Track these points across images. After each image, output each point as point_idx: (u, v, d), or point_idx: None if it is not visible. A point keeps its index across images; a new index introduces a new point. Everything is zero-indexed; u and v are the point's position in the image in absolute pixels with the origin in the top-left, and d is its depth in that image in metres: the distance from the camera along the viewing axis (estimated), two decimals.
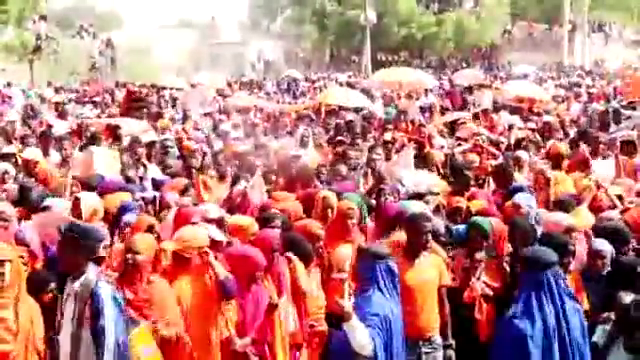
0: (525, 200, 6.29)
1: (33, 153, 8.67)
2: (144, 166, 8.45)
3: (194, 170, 8.19)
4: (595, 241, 5.35)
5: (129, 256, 4.60)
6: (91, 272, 4.15)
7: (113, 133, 10.63)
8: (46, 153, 9.32)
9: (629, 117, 12.38)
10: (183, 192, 6.88)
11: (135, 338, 4.28)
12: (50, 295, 4.60)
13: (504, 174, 7.58)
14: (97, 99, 19.26)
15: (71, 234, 4.23)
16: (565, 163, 8.44)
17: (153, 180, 7.92)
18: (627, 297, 4.47)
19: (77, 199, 6.10)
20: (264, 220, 5.73)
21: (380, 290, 4.29)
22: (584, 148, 8.64)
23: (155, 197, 6.62)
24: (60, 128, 11.80)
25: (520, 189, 6.76)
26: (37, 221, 5.61)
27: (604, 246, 5.25)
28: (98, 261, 4.63)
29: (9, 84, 21.91)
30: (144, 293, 4.55)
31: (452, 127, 11.93)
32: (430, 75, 19.36)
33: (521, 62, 34.43)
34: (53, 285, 4.64)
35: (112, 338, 3.97)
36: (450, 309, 5.29)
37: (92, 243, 4.24)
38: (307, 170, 7.73)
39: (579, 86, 21.01)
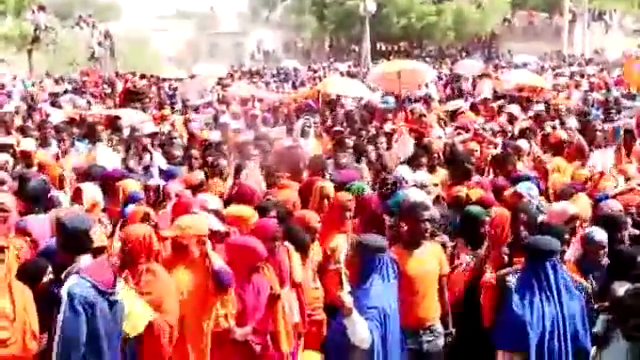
0: (527, 189, 6.29)
1: (30, 144, 8.69)
2: (150, 154, 8.46)
3: (194, 160, 8.17)
4: (594, 230, 5.31)
5: (122, 248, 4.61)
6: (76, 265, 4.13)
7: (113, 124, 10.65)
8: (45, 143, 9.32)
9: (630, 108, 12.40)
10: (197, 187, 6.81)
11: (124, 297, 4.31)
12: (44, 284, 4.55)
13: (504, 162, 7.58)
14: (92, 90, 19.24)
15: (57, 228, 4.22)
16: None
17: (162, 171, 7.89)
18: (620, 287, 4.45)
19: (79, 189, 6.12)
20: (261, 210, 5.72)
21: (380, 282, 4.28)
22: (579, 137, 8.66)
23: (159, 185, 6.62)
24: (56, 118, 11.77)
25: (527, 178, 6.75)
26: (53, 215, 5.59)
27: (603, 236, 5.20)
28: (96, 251, 4.60)
29: None
30: (145, 284, 4.54)
31: (451, 116, 11.93)
32: (429, 67, 19.10)
33: (521, 51, 34.33)
34: (49, 274, 4.58)
35: (57, 333, 3.94)
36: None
37: (75, 235, 4.20)
38: (318, 159, 7.70)
39: (582, 76, 20.97)
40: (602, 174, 6.95)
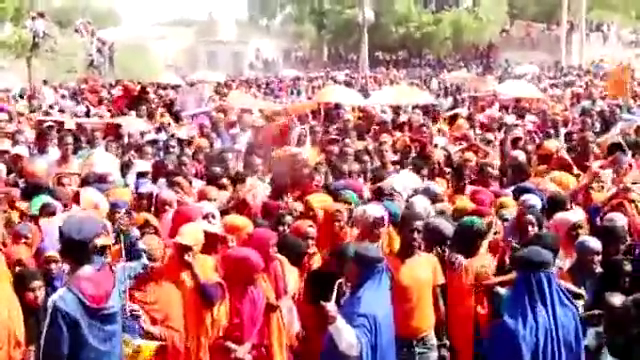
0: (534, 202, 6.29)
1: (21, 151, 8.71)
2: (130, 160, 8.50)
3: (183, 166, 8.17)
4: (589, 240, 5.31)
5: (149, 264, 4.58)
6: (74, 275, 3.91)
7: (114, 131, 10.69)
8: (43, 150, 9.30)
9: (627, 120, 12.43)
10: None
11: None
12: (34, 294, 4.59)
13: (520, 171, 7.62)
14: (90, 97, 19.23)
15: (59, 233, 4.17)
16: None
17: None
18: (614, 298, 4.47)
19: (78, 194, 6.19)
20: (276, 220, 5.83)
21: (373, 290, 4.29)
22: (562, 150, 8.70)
23: (151, 193, 6.64)
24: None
25: (528, 190, 6.75)
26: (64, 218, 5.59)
27: (597, 244, 5.20)
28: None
29: None
30: (153, 293, 4.58)
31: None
32: (429, 95, 18.92)
33: (519, 61, 34.49)
34: (38, 283, 4.64)
35: (40, 348, 3.78)
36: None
37: (71, 244, 3.93)
38: (306, 167, 7.73)
39: (568, 85, 21.09)
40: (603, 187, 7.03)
